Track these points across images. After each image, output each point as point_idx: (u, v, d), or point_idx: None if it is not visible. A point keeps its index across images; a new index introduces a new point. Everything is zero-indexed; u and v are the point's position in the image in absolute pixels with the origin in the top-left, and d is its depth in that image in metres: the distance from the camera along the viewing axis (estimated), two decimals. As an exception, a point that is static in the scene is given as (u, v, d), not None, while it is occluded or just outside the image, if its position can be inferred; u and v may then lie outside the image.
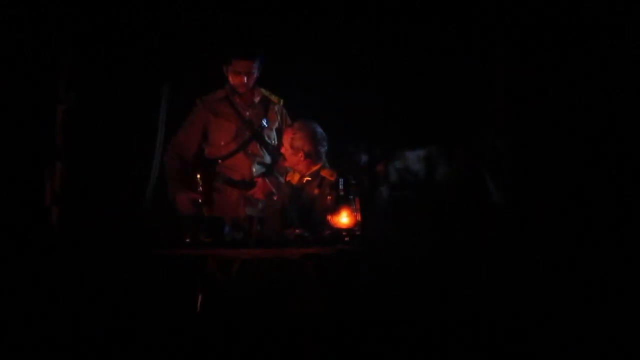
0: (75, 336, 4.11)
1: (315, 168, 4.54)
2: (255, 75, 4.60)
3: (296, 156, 4.48)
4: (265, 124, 4.71)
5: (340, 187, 4.10)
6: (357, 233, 4.05)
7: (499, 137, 4.55)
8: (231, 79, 4.60)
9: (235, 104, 4.66)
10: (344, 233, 4.04)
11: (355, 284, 4.05)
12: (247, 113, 4.70)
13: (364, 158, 4.57)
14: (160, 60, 4.84)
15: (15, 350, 4.03)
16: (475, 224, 4.46)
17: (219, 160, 4.65)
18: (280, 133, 4.72)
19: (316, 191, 4.37)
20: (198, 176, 4.32)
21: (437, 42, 4.83)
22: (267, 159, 4.76)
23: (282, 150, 4.55)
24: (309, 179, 4.56)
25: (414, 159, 4.54)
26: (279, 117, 4.79)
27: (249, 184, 4.64)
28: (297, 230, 4.13)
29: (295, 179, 4.58)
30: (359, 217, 4.08)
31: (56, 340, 4.09)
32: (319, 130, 4.53)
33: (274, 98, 4.76)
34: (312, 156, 4.49)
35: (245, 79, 4.57)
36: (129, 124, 4.80)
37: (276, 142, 4.74)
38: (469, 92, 4.75)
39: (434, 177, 4.52)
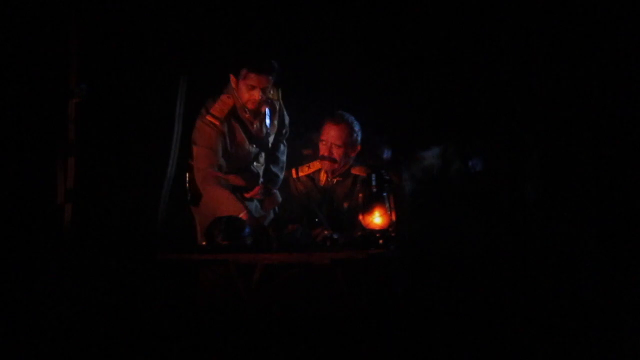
0: (84, 337, 3.97)
1: (346, 166, 4.18)
2: (268, 91, 4.21)
3: (354, 152, 4.18)
4: (269, 132, 4.33)
5: (373, 183, 3.72)
6: (392, 234, 3.65)
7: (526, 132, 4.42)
8: (243, 94, 4.17)
9: (245, 119, 4.24)
10: (377, 235, 3.67)
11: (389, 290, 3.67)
12: (254, 126, 4.28)
13: (387, 152, 4.23)
14: (176, 52, 4.60)
15: (23, 349, 3.90)
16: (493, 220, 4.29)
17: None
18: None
19: (360, 195, 3.89)
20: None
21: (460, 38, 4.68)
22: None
23: (326, 146, 4.17)
24: (340, 179, 4.19)
25: (432, 154, 4.39)
26: (277, 114, 4.38)
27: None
28: (326, 232, 3.75)
29: (322, 179, 4.20)
30: (393, 217, 3.70)
31: (64, 340, 3.94)
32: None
33: (273, 95, 4.34)
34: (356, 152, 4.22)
35: (260, 94, 4.13)
36: (144, 117, 4.57)
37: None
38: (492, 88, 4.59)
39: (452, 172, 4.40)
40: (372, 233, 3.68)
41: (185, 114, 4.43)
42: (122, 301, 4.09)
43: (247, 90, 4.13)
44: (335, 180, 4.22)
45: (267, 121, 4.30)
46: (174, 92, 4.44)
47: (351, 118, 4.22)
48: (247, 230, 3.73)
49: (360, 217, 3.74)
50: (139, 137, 4.53)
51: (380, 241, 3.65)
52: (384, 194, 3.72)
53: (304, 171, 4.30)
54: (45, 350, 3.87)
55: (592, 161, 4.27)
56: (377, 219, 3.70)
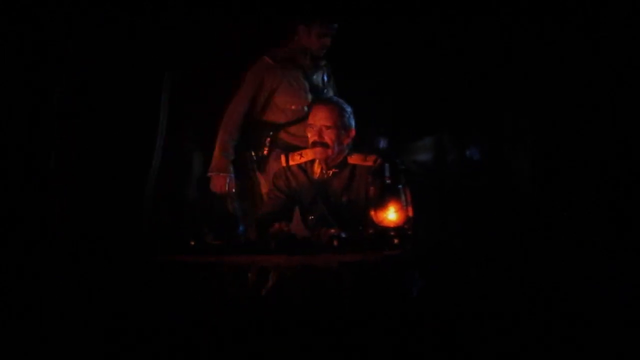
0: (74, 340, 3.70)
1: (342, 156, 3.76)
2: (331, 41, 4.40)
3: (348, 137, 3.79)
4: (328, 89, 4.41)
5: (386, 174, 3.28)
6: (409, 233, 3.22)
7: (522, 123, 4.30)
8: (313, 42, 4.28)
9: (305, 66, 4.31)
10: (391, 233, 3.23)
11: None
12: (314, 77, 4.34)
13: (383, 143, 4.10)
14: (164, 46, 4.42)
15: (14, 352, 3.68)
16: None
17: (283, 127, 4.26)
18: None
19: (371, 188, 3.48)
20: (267, 140, 4.14)
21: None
22: None
23: (316, 129, 3.76)
24: (336, 170, 3.75)
25: (427, 144, 4.35)
26: (331, 80, 4.46)
27: None
28: (332, 230, 3.32)
29: (316, 172, 3.76)
30: (410, 213, 3.26)
31: (55, 343, 3.70)
32: None
33: (326, 65, 4.46)
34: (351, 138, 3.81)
35: (329, 41, 4.30)
36: (130, 113, 4.29)
37: None
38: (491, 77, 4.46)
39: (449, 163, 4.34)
40: (385, 231, 3.24)
41: (170, 109, 4.21)
42: (112, 299, 3.76)
43: (319, 39, 4.27)
44: (330, 173, 3.77)
45: (325, 78, 4.43)
46: (159, 87, 4.24)
47: (340, 100, 3.87)
48: (241, 228, 3.29)
49: (372, 213, 3.29)
50: (126, 134, 4.23)
51: (396, 240, 3.21)
52: (399, 187, 3.28)
53: (295, 160, 3.85)
54: (33, 349, 3.61)
55: (590, 154, 4.08)
56: (391, 214, 3.26)
